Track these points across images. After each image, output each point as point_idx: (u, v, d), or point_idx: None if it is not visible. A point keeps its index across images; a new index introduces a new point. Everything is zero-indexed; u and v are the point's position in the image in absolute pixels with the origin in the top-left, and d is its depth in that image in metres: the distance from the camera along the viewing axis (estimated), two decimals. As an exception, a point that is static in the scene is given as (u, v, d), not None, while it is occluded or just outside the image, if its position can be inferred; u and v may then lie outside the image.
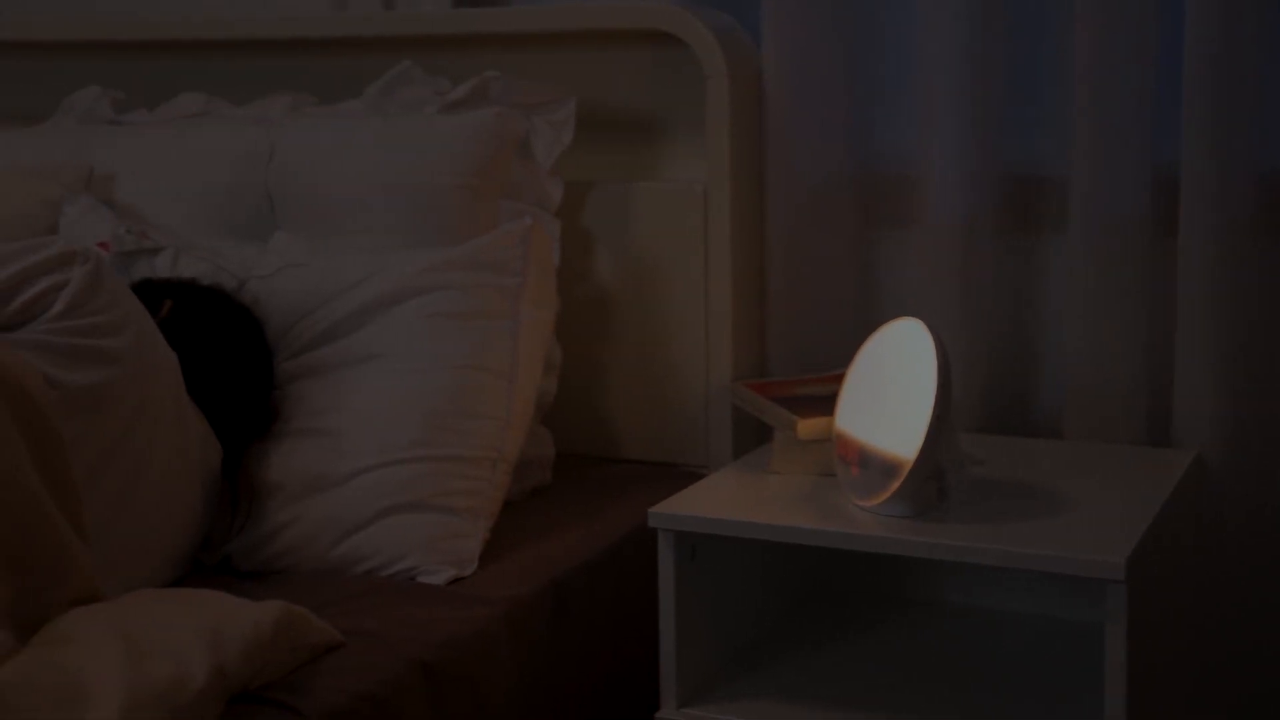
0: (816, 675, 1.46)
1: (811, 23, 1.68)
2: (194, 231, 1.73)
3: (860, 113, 1.72)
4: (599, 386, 1.80)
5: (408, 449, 1.46)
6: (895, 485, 1.32)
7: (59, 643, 1.09)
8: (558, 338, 1.68)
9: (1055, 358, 1.66)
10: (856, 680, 1.44)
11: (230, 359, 1.52)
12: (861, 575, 1.66)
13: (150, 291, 1.50)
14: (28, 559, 1.14)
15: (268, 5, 2.02)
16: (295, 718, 1.12)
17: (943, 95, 1.62)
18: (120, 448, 1.31)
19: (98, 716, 1.00)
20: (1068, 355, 1.61)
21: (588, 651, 1.47)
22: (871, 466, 1.34)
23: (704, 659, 1.43)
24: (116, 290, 1.36)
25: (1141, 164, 1.55)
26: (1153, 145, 1.55)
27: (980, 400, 1.67)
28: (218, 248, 1.69)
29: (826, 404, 1.47)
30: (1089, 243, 1.58)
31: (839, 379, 1.47)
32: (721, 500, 1.44)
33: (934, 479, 1.34)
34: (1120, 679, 1.21)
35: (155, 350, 1.39)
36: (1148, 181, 1.56)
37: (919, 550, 1.29)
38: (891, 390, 1.35)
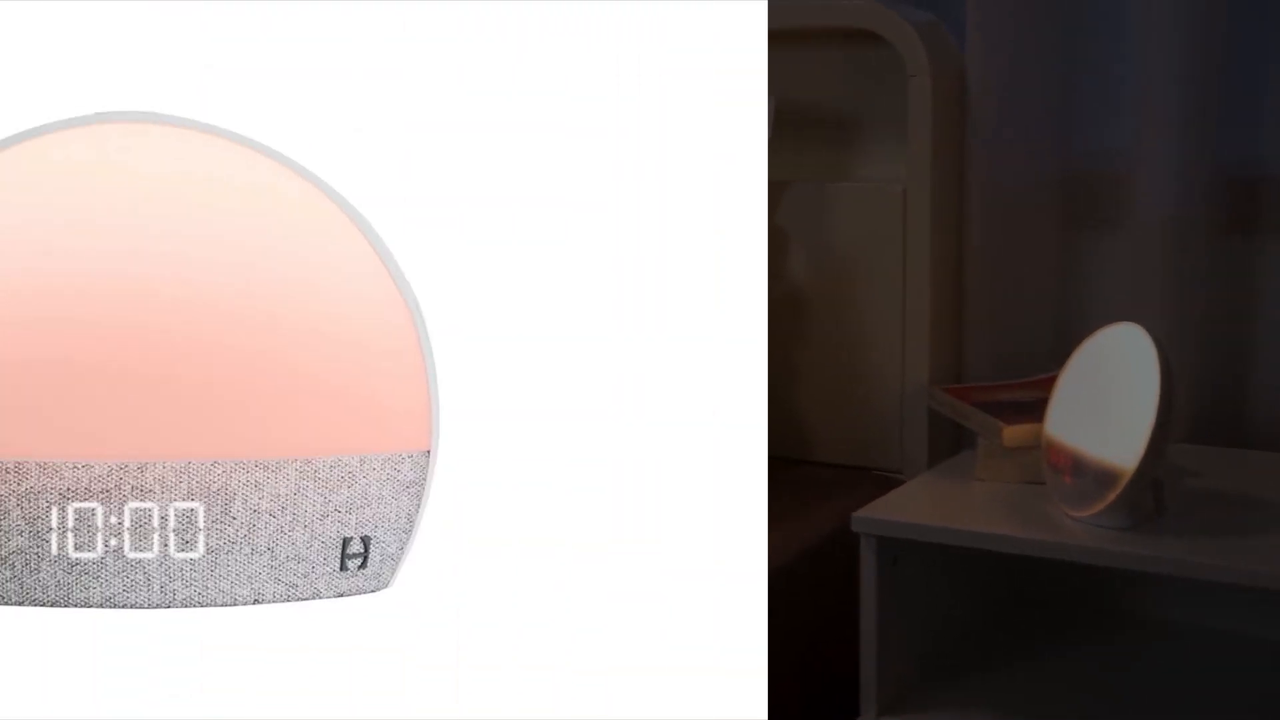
0: (1019, 689, 1.42)
1: (1016, 18, 1.64)
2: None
3: (1066, 110, 1.67)
4: (791, 387, 1.79)
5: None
6: (1112, 495, 1.27)
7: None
8: (751, 338, 1.67)
9: (1273, 365, 1.58)
10: (1062, 697, 1.40)
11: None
12: (1066, 586, 1.61)
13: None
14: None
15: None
16: None
17: (1157, 90, 1.55)
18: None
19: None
20: (1290, 363, 1.55)
21: (787, 656, 1.45)
22: (1086, 475, 1.30)
23: (904, 667, 1.41)
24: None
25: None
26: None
27: (1189, 409, 1.60)
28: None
29: (1030, 410, 1.43)
30: (1315, 246, 1.51)
31: (1040, 384, 1.43)
32: (925, 506, 1.41)
33: (1151, 489, 1.30)
34: (1362, 707, 1.16)
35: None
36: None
37: (1145, 564, 1.24)
38: (1108, 397, 1.31)
